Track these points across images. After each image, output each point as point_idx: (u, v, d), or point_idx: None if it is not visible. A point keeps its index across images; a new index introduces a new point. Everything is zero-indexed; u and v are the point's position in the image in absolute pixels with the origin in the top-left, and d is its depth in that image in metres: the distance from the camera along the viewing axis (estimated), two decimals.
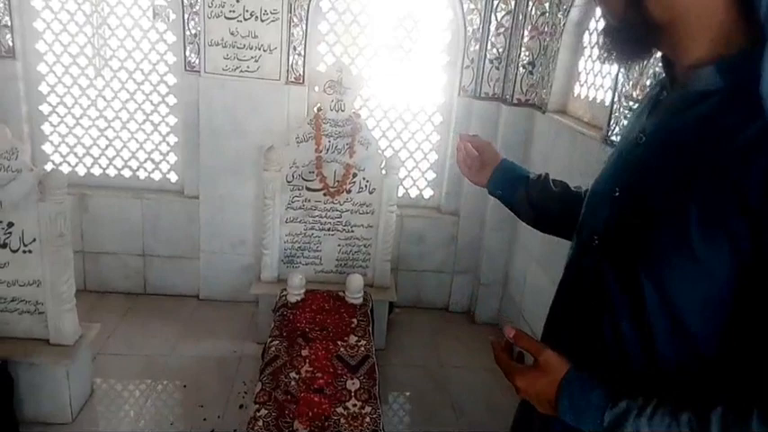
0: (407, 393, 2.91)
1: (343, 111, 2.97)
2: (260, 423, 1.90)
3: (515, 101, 3.21)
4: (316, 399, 2.03)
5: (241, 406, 2.67)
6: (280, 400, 2.03)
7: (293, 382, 2.13)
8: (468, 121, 3.39)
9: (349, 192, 3.07)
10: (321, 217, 3.12)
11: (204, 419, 2.56)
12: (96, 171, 3.52)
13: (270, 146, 2.99)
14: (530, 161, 3.20)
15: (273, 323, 2.57)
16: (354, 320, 2.62)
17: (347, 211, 3.12)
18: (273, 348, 2.35)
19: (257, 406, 2.00)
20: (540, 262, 3.02)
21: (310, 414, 1.96)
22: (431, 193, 3.66)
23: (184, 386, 2.78)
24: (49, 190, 2.22)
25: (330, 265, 3.20)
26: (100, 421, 2.50)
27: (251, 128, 3.27)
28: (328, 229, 3.15)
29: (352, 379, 2.19)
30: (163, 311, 3.43)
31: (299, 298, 2.75)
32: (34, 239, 2.29)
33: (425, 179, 3.62)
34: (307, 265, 3.19)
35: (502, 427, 2.71)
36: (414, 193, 3.63)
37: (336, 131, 3.00)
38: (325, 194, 3.06)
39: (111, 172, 3.52)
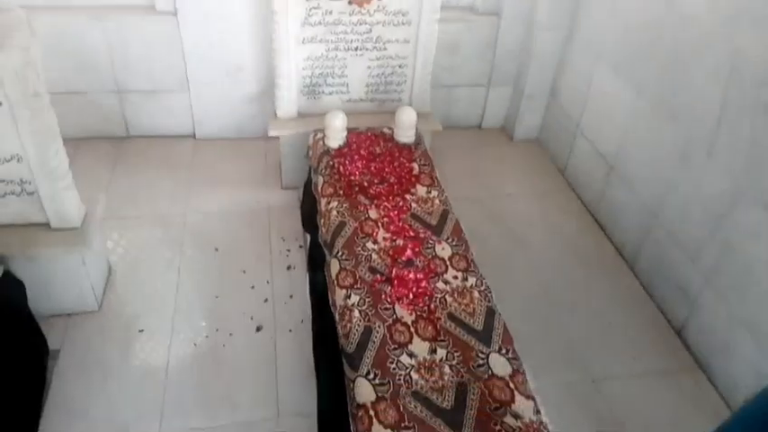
0: (467, 233, 2.66)
1: None
2: (356, 314, 1.62)
3: None
4: (410, 275, 1.73)
5: (289, 267, 2.38)
6: (368, 281, 1.72)
7: (375, 256, 1.81)
8: None
9: None
10: (346, 33, 2.52)
11: (252, 287, 2.28)
12: None
13: None
14: None
15: (321, 177, 2.16)
16: (415, 166, 2.23)
17: (378, 23, 2.51)
18: (335, 213, 1.98)
19: (345, 291, 1.69)
20: (614, 64, 2.58)
21: (411, 296, 1.67)
22: None
23: (216, 249, 2.44)
24: (5, 31, 1.58)
25: (359, 92, 2.69)
26: (131, 303, 2.19)
27: None
28: (356, 49, 2.57)
29: (440, 243, 1.88)
30: (157, 158, 2.95)
31: (341, 142, 2.30)
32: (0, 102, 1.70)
33: None
34: (331, 94, 2.67)
35: (564, 248, 2.59)
36: None
37: None
38: (350, 2, 2.42)
39: None
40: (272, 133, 2.62)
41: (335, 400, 1.71)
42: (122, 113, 2.98)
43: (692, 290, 2.13)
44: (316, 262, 2.13)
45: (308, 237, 2.37)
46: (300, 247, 2.48)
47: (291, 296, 2.25)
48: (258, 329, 2.11)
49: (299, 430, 1.81)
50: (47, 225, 1.94)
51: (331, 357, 1.79)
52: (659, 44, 2.24)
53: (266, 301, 2.23)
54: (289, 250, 2.46)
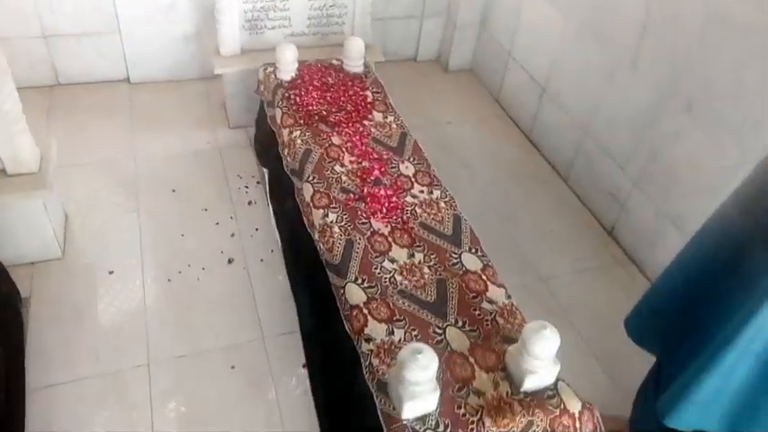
0: None
1: None
2: (336, 229, 1.72)
3: None
4: (381, 192, 1.85)
5: (250, 202, 2.43)
6: (342, 200, 1.82)
7: (344, 177, 1.90)
8: None
9: None
10: None
11: (217, 224, 2.32)
12: None
13: None
14: None
15: (279, 109, 2.20)
16: (368, 93, 2.31)
17: None
18: (299, 141, 2.04)
19: (322, 211, 1.78)
20: None
21: (384, 210, 1.79)
22: None
23: (173, 191, 2.44)
24: None
25: (301, 26, 2.70)
26: (94, 247, 2.18)
27: None
28: None
29: (403, 163, 2.00)
30: (92, 105, 2.86)
31: (293, 74, 2.34)
32: None
33: None
34: (273, 29, 2.67)
35: (504, 167, 2.79)
36: None
37: None
38: None
39: None
40: (217, 71, 2.61)
41: (316, 313, 1.84)
42: (50, 60, 2.84)
43: (622, 194, 2.39)
44: (279, 192, 2.20)
45: (265, 171, 2.42)
46: (258, 183, 2.53)
47: (257, 229, 2.32)
48: (230, 262, 2.18)
49: (285, 346, 1.92)
50: (2, 171, 1.89)
51: (307, 276, 1.91)
52: None
53: (233, 235, 2.28)
54: (247, 187, 2.50)
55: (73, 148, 2.57)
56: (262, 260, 2.20)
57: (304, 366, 1.87)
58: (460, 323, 1.50)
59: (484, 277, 1.63)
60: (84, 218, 2.27)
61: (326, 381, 1.73)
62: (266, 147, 2.36)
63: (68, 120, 2.72)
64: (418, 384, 1.22)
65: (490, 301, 1.56)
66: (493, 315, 1.53)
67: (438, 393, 1.27)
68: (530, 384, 1.34)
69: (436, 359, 1.23)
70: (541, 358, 1.30)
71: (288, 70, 2.32)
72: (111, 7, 2.76)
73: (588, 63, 2.48)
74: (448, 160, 2.79)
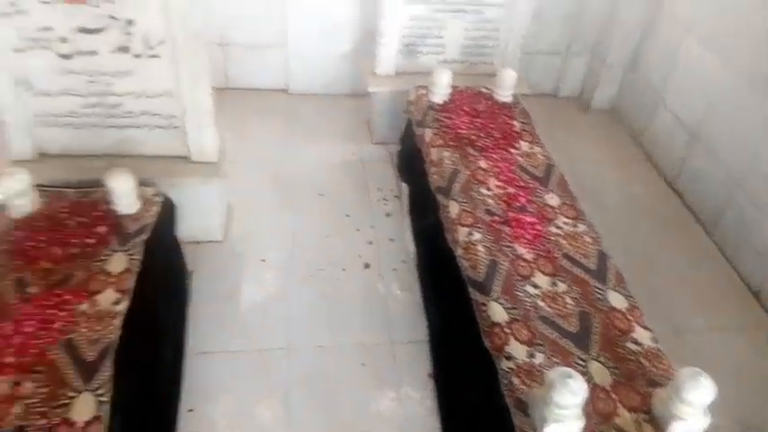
0: None
1: None
2: (480, 248, 1.76)
3: None
4: (527, 219, 1.87)
5: (388, 214, 2.53)
6: (487, 221, 1.86)
7: (490, 200, 1.94)
8: None
9: None
10: None
11: (357, 230, 2.44)
12: None
13: None
14: None
15: (429, 129, 2.29)
16: (515, 123, 2.34)
17: None
18: (448, 161, 2.11)
19: (467, 229, 1.83)
20: (703, 39, 2.65)
21: (528, 236, 1.81)
22: None
23: (320, 195, 2.60)
24: None
25: (455, 53, 2.80)
26: (250, 237, 2.36)
27: None
28: (455, 11, 2.67)
29: (548, 193, 2.01)
30: (255, 109, 3.10)
31: (445, 98, 2.42)
32: (162, 41, 1.85)
33: None
34: (428, 54, 2.78)
35: (641, 212, 2.70)
36: None
37: None
38: None
39: None
40: (371, 89, 2.76)
41: (448, 325, 1.88)
42: (224, 66, 3.13)
43: None
44: (419, 208, 2.28)
45: (405, 186, 2.52)
46: (396, 196, 2.63)
47: (392, 240, 2.41)
48: (366, 266, 2.28)
49: (412, 354, 1.98)
50: (186, 158, 2.11)
51: (443, 289, 1.96)
52: (753, 19, 2.31)
53: (371, 243, 2.39)
54: (386, 199, 2.61)
55: (238, 146, 2.80)
56: (395, 269, 2.28)
57: (430, 375, 1.91)
58: (603, 358, 1.48)
59: (630, 317, 1.60)
60: (243, 209, 2.48)
61: (453, 391, 1.76)
62: (410, 163, 2.46)
63: (235, 120, 2.98)
64: (565, 408, 1.23)
65: (635, 342, 1.53)
66: (637, 356, 1.49)
67: (583, 422, 1.26)
68: (677, 431, 1.29)
69: (586, 387, 1.23)
70: (694, 406, 1.26)
71: (441, 94, 2.41)
72: (283, 24, 3.00)
73: (748, 112, 2.36)
74: (582, 199, 2.73)
